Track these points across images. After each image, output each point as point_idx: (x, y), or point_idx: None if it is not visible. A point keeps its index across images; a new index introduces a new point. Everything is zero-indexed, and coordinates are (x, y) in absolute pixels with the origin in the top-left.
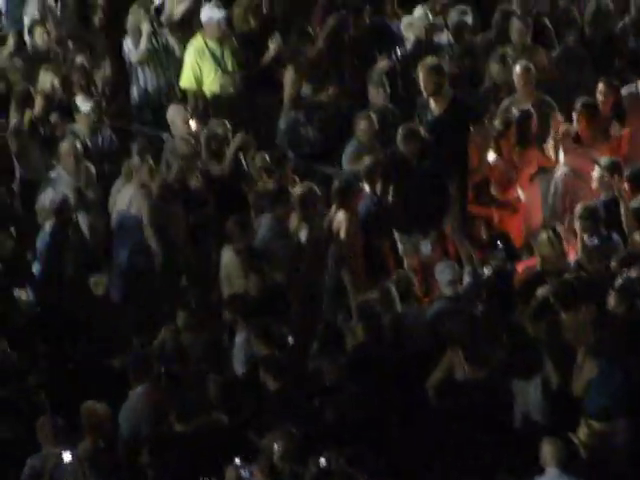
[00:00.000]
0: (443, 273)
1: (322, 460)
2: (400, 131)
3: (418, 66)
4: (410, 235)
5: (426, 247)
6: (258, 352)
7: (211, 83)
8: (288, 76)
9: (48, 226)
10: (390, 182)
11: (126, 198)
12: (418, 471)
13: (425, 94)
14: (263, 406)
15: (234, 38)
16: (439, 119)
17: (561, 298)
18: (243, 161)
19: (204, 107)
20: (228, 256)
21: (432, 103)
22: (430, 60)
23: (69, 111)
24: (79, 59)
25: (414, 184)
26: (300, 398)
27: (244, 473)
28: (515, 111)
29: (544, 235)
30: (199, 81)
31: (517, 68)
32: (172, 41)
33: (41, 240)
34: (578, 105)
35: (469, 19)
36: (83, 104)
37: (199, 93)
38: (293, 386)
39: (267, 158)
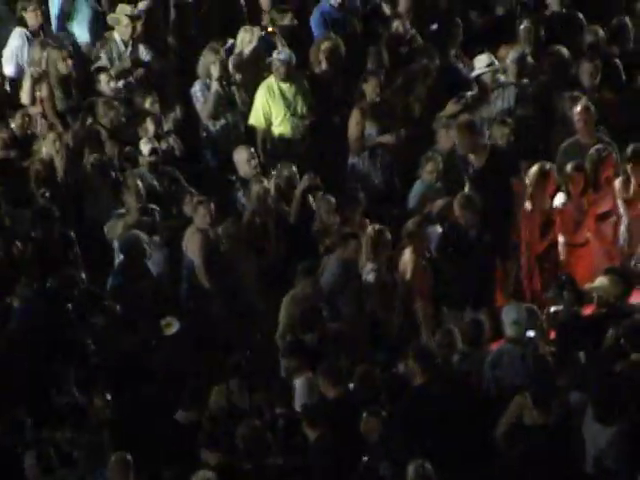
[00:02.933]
0: (508, 314)
1: None
2: (458, 199)
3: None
4: (461, 310)
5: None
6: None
7: (280, 124)
8: (354, 118)
9: (117, 269)
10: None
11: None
12: None
13: (462, 152)
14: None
15: (305, 80)
16: (480, 172)
17: (631, 339)
18: (311, 203)
19: (272, 148)
20: (288, 302)
21: (471, 157)
22: (463, 118)
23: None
24: (147, 103)
25: (472, 259)
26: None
27: None
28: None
29: (611, 276)
30: (268, 122)
31: (577, 107)
32: (240, 82)
33: (112, 280)
34: (629, 150)
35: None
36: (146, 146)
37: (267, 134)
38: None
39: (333, 200)
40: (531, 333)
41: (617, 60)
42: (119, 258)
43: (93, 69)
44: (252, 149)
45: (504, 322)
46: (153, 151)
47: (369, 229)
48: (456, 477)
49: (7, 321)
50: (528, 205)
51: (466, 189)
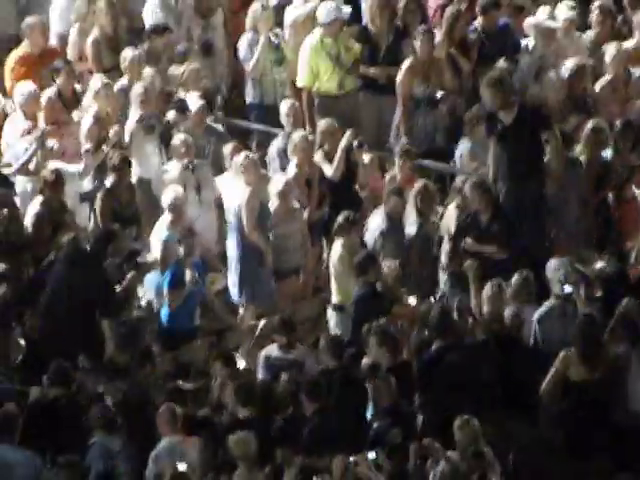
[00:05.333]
0: (556, 271)
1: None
2: (470, 182)
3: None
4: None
5: None
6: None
7: (327, 81)
8: (402, 75)
9: (164, 223)
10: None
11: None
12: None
13: (492, 108)
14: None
15: (354, 36)
16: (509, 129)
17: None
18: (355, 159)
19: (318, 105)
20: (337, 251)
21: (501, 114)
22: (493, 74)
23: (183, 109)
24: (193, 59)
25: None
26: None
27: None
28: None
29: None
30: (315, 79)
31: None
32: (289, 39)
33: (158, 235)
34: None
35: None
36: (195, 102)
37: (314, 91)
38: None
39: (377, 156)
40: (573, 289)
41: None
42: (165, 214)
43: (148, 28)
44: (296, 103)
45: (550, 278)
46: (201, 106)
47: (415, 184)
48: (500, 432)
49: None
50: (583, 159)
51: (492, 146)
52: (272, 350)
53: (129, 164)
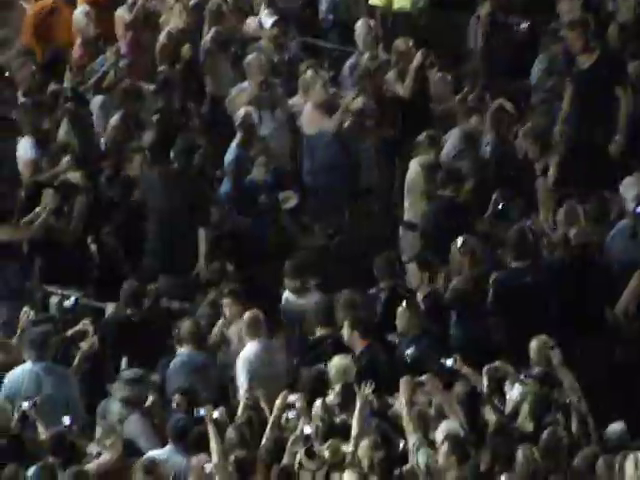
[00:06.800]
0: (629, 188)
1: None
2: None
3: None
4: None
5: None
6: None
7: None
8: None
9: (234, 143)
10: None
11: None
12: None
13: (573, 50)
14: None
15: None
16: (587, 72)
17: None
18: (429, 78)
19: (392, 24)
20: (414, 169)
21: (581, 57)
22: (576, 15)
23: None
24: None
25: None
26: None
27: None
28: None
29: None
30: None
31: None
32: None
33: (229, 155)
34: None
35: None
36: (268, 20)
37: (387, 9)
38: None
39: (449, 76)
40: None
41: None
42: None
43: None
44: (371, 22)
45: (624, 198)
46: (275, 23)
47: (491, 104)
48: (576, 353)
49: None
50: None
51: (568, 91)
52: None
53: None
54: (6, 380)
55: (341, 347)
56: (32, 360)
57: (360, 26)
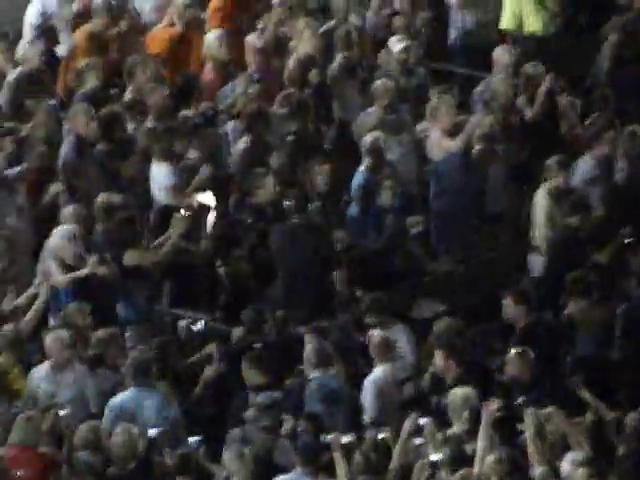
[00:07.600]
0: None
1: None
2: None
3: None
4: None
5: None
6: None
7: (532, 24)
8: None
9: (363, 166)
10: None
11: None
12: None
13: None
14: None
15: None
16: None
17: None
18: (558, 103)
19: (522, 45)
20: (542, 195)
21: None
22: None
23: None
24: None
25: None
26: None
27: None
28: None
29: None
30: (520, 22)
31: None
32: None
33: (356, 179)
34: None
35: None
36: (397, 44)
37: (520, 34)
38: None
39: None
40: None
41: None
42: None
43: None
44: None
45: None
46: (404, 49)
47: (621, 129)
48: None
49: None
50: None
51: None
52: None
53: None
54: (111, 405)
55: None
56: (135, 386)
57: (498, 51)
